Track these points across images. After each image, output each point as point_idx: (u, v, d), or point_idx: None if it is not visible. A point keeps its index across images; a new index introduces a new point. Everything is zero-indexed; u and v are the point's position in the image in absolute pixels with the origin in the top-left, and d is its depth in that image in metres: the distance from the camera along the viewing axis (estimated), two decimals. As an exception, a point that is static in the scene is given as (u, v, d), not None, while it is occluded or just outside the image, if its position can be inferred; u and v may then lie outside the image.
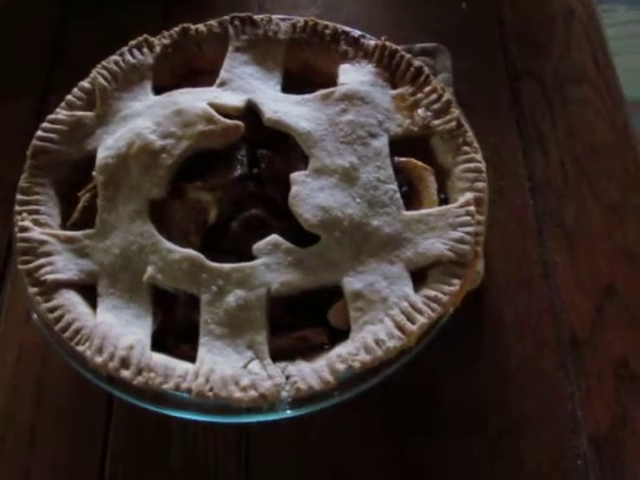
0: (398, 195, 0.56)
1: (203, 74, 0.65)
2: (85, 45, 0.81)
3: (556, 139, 0.69)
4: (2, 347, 0.63)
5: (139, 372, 0.51)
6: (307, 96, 0.61)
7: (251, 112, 0.60)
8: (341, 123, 0.59)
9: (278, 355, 0.52)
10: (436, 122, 0.59)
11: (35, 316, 0.54)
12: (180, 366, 0.51)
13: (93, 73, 0.65)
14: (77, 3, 0.83)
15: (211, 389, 0.50)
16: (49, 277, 0.55)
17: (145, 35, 0.66)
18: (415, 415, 0.56)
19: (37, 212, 0.59)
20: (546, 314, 0.59)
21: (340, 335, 0.53)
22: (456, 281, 0.52)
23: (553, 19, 0.78)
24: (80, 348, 0.52)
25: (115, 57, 0.65)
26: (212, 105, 0.60)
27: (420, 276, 0.53)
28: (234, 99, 0.61)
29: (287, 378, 0.50)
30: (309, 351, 0.52)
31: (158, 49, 0.66)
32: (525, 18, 0.78)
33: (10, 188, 0.67)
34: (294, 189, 0.56)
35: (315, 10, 0.80)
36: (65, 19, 0.84)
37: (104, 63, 0.65)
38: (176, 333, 0.55)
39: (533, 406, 0.56)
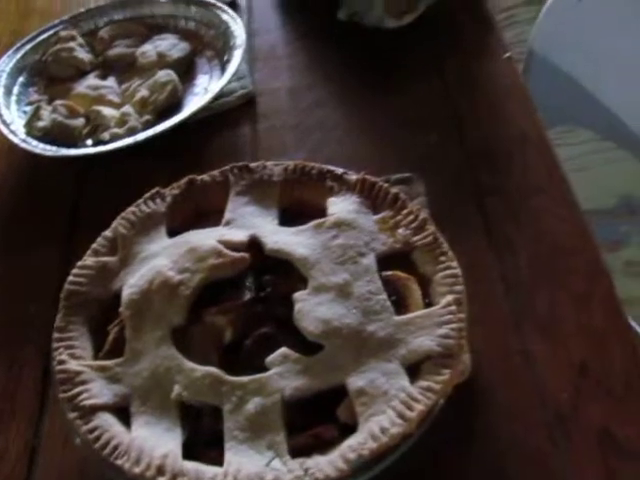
0: (388, 303, 0.64)
1: (209, 216, 0.75)
2: (100, 199, 0.92)
3: (523, 244, 0.77)
4: (43, 473, 0.68)
5: (174, 478, 0.57)
6: (301, 227, 0.71)
7: (254, 244, 0.69)
8: (333, 247, 0.68)
9: (296, 452, 0.58)
10: (415, 238, 0.68)
11: (78, 440, 0.61)
12: (210, 470, 0.58)
13: (114, 224, 0.74)
14: (92, 165, 0.94)
15: (239, 486, 0.56)
16: (87, 402, 0.62)
17: (157, 188, 0.76)
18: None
19: (72, 347, 0.66)
20: (531, 396, 0.66)
21: (349, 429, 0.59)
22: (446, 371, 0.60)
23: (510, 144, 0.89)
24: (119, 462, 0.58)
25: (132, 208, 0.75)
26: (220, 241, 0.69)
27: (414, 370, 0.61)
28: (239, 235, 0.70)
29: (306, 471, 0.57)
30: (323, 446, 0.59)
31: (169, 199, 0.76)
32: (487, 145, 0.89)
33: (43, 326, 0.75)
34: (297, 306, 0.64)
35: (302, 154, 0.91)
36: (83, 177, 0.95)
37: (123, 214, 0.75)
38: (203, 442, 0.61)
39: (528, 480, 0.62)
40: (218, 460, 0.59)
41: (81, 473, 0.67)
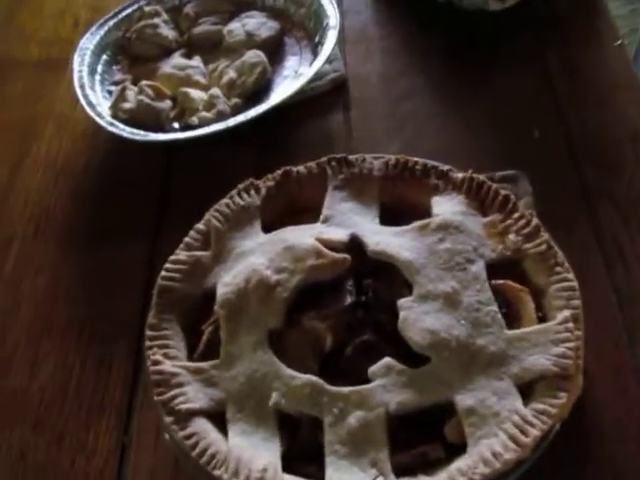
0: (499, 315, 0.60)
1: (305, 211, 0.72)
2: (187, 184, 0.90)
3: (636, 254, 0.73)
4: (135, 468, 0.67)
5: (274, 492, 0.55)
6: (405, 227, 0.67)
7: (355, 244, 0.66)
8: (439, 251, 0.64)
9: (399, 471, 0.56)
10: (527, 246, 0.64)
11: (166, 435, 0.60)
12: (310, 485, 0.55)
13: (207, 216, 0.71)
14: (179, 148, 0.92)
15: (342, 506, 0.54)
16: (183, 407, 0.60)
17: (251, 179, 0.73)
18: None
19: (166, 346, 0.64)
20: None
21: (455, 449, 0.56)
22: (562, 394, 0.56)
23: (621, 141, 0.84)
24: (217, 472, 0.56)
25: (226, 200, 0.72)
26: (319, 240, 0.66)
27: (527, 390, 0.57)
28: (338, 233, 0.67)
29: (411, 493, 0.54)
30: (428, 466, 0.56)
31: (264, 191, 0.73)
32: (594, 141, 0.84)
33: (132, 319, 0.74)
34: (402, 314, 0.61)
35: (397, 146, 0.87)
36: (169, 162, 0.93)
37: (216, 207, 0.72)
38: (302, 454, 0.59)
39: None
40: (316, 475, 0.57)
41: (172, 471, 0.66)
